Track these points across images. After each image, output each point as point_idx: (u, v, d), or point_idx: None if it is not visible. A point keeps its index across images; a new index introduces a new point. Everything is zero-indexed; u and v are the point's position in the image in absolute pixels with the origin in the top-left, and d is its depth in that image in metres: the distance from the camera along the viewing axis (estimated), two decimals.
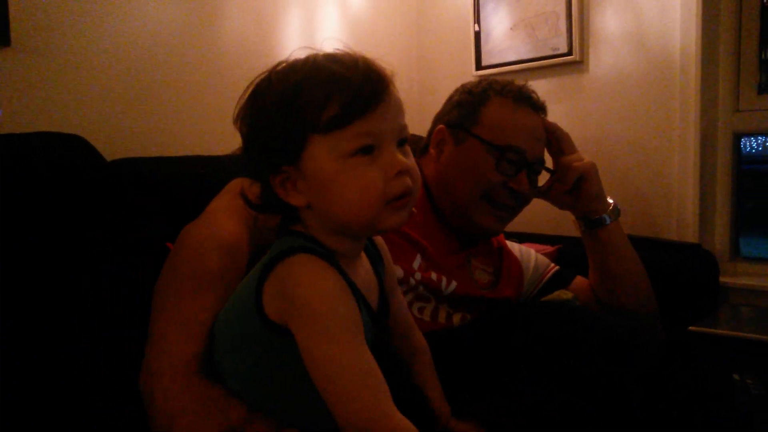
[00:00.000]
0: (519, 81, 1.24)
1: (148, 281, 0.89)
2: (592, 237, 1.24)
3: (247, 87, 0.73)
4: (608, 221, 1.22)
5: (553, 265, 1.37)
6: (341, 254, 0.73)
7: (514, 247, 1.36)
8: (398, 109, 0.70)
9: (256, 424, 0.74)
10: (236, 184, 0.96)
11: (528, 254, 1.36)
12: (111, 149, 1.23)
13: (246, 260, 0.87)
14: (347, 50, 0.70)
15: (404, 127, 0.71)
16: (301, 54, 0.73)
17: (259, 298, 0.70)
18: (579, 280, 1.32)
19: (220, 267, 0.83)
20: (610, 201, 1.24)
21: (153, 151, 1.35)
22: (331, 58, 0.69)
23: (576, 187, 1.22)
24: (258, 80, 0.72)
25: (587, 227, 1.24)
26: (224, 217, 0.89)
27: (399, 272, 1.08)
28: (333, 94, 0.66)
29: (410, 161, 0.71)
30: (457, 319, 1.15)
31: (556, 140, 1.24)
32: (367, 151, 0.67)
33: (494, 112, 1.19)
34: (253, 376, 0.75)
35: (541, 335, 0.95)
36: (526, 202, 1.23)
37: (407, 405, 0.66)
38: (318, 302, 0.66)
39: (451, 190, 1.18)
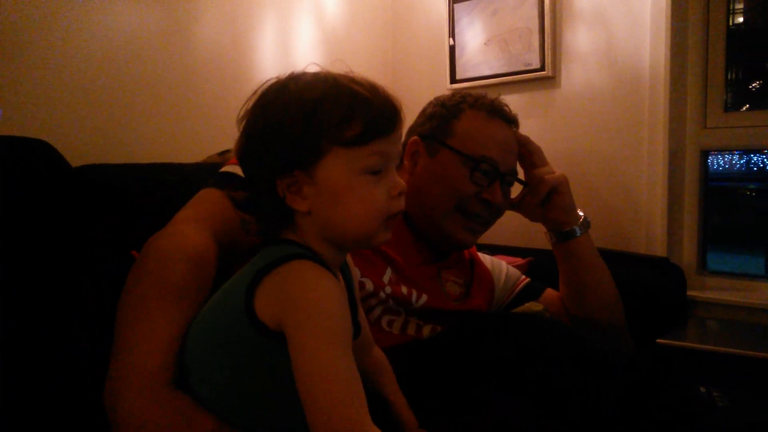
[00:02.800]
0: (492, 94, 1.25)
1: None
2: (562, 249, 1.25)
3: (258, 90, 0.75)
4: (579, 233, 1.23)
5: (524, 277, 1.37)
6: (328, 263, 0.74)
7: (485, 259, 1.36)
8: (402, 136, 0.77)
9: None
10: (205, 195, 0.95)
11: (499, 266, 1.37)
12: (77, 155, 1.20)
13: (213, 272, 0.85)
14: (361, 75, 0.75)
15: (401, 152, 0.77)
16: (314, 68, 0.76)
17: (250, 301, 0.70)
18: (549, 293, 1.32)
19: (186, 279, 0.82)
20: (581, 214, 1.25)
21: (121, 158, 1.32)
22: (352, 79, 0.73)
23: (547, 200, 1.23)
24: (272, 85, 0.75)
25: (558, 239, 1.25)
26: (191, 228, 0.87)
27: (369, 285, 1.07)
28: (357, 112, 0.70)
29: (403, 182, 0.76)
30: (426, 331, 1.14)
31: (528, 153, 1.25)
32: (377, 170, 0.72)
33: (467, 124, 1.20)
34: (230, 381, 0.74)
35: (512, 347, 0.95)
36: (499, 213, 1.23)
37: (374, 417, 0.66)
38: (321, 305, 0.66)
39: (425, 202, 1.19)
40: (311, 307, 0.66)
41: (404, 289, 1.13)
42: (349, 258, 0.88)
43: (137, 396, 0.74)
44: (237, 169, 0.99)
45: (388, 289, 1.10)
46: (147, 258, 0.85)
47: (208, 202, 0.93)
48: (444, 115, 1.22)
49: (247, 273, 0.72)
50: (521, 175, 1.27)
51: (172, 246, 0.85)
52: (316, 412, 0.63)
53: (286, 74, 0.76)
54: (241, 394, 0.74)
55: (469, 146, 1.17)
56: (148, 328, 0.78)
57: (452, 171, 1.17)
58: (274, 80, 0.75)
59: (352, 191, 0.71)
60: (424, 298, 1.15)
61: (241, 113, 0.74)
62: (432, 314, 1.16)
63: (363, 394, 0.65)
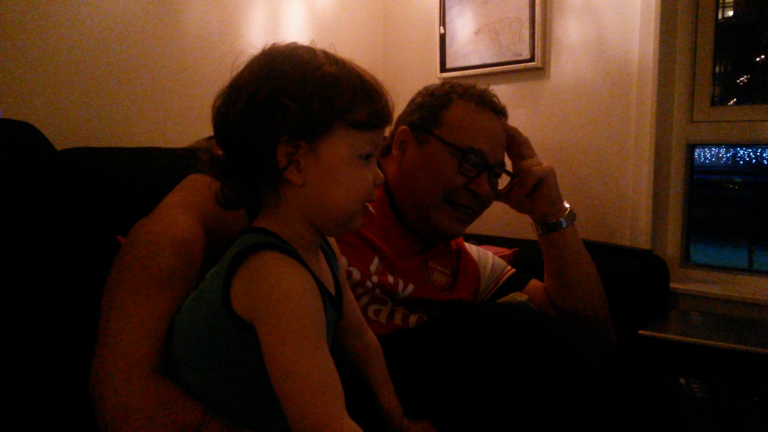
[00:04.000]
0: (481, 85, 1.25)
1: None
2: (548, 240, 1.26)
3: (260, 53, 0.74)
4: (564, 225, 1.24)
5: (509, 267, 1.38)
6: (306, 245, 0.75)
7: (472, 248, 1.37)
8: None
9: (212, 425, 0.73)
10: (193, 180, 0.94)
11: (485, 256, 1.37)
12: (62, 138, 1.19)
13: (201, 258, 0.85)
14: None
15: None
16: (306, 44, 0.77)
17: (227, 292, 0.70)
18: (534, 283, 1.33)
19: (174, 264, 0.81)
20: (567, 206, 1.26)
21: (107, 142, 1.31)
22: (357, 66, 0.75)
23: (534, 191, 1.23)
24: (278, 50, 0.74)
25: (544, 230, 1.25)
26: (179, 213, 0.87)
27: (356, 274, 1.08)
28: (365, 98, 0.72)
29: (382, 175, 0.79)
30: (413, 320, 1.15)
31: (516, 144, 1.25)
32: (367, 157, 0.75)
33: (456, 115, 1.19)
34: (217, 372, 0.74)
35: (498, 337, 0.95)
36: (486, 204, 1.24)
37: (358, 405, 0.66)
38: (286, 303, 0.66)
39: (413, 192, 1.19)
40: (277, 305, 0.66)
41: (391, 279, 1.13)
42: (334, 244, 0.88)
43: (124, 384, 0.74)
44: None
45: (375, 279, 1.10)
46: (134, 243, 0.84)
47: (197, 187, 0.92)
48: (433, 104, 1.22)
49: (225, 262, 0.72)
50: (509, 166, 1.27)
51: (160, 231, 0.84)
52: (289, 407, 0.64)
53: (285, 42, 0.75)
54: (227, 381, 0.74)
55: (458, 137, 1.17)
56: (134, 314, 0.78)
57: (440, 161, 1.17)
58: (279, 46, 0.75)
59: (348, 170, 0.73)
60: (411, 287, 1.15)
61: (243, 73, 0.73)
62: (418, 303, 1.16)
63: (337, 386, 0.65)
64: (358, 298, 1.09)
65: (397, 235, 1.20)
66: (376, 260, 1.13)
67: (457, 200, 1.18)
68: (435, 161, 1.17)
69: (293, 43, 0.75)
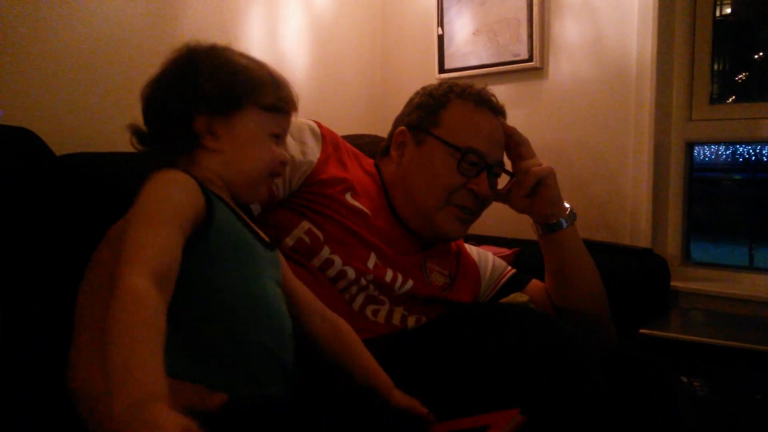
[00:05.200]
0: (479, 84, 1.25)
1: None
2: (549, 240, 1.26)
3: (183, 46, 0.89)
4: (565, 225, 1.24)
5: (510, 268, 1.38)
6: (218, 189, 0.85)
7: (472, 250, 1.37)
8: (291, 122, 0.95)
9: (185, 392, 0.72)
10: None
11: (485, 258, 1.37)
12: (61, 143, 1.19)
13: None
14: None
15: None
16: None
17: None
18: (535, 284, 1.33)
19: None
20: (567, 206, 1.26)
21: (105, 147, 1.31)
22: (267, 64, 0.92)
23: (534, 192, 1.23)
24: (201, 44, 0.89)
25: (544, 231, 1.25)
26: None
27: (351, 273, 1.08)
28: (272, 87, 0.89)
29: (287, 155, 0.94)
30: (411, 321, 1.14)
31: (516, 144, 1.25)
32: (277, 137, 0.91)
33: (455, 114, 1.19)
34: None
35: (496, 338, 0.95)
36: (485, 204, 1.23)
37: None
38: (153, 191, 0.75)
39: (413, 193, 1.18)
40: (145, 195, 0.74)
41: (389, 274, 1.12)
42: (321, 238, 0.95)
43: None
44: None
45: (370, 276, 1.10)
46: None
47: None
48: (431, 104, 1.21)
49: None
50: (508, 166, 1.27)
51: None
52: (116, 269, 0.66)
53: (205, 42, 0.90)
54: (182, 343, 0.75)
55: (456, 136, 1.17)
56: None
57: (439, 161, 1.17)
58: (199, 43, 0.89)
59: (256, 145, 0.88)
60: (410, 283, 1.14)
61: (168, 64, 0.88)
62: (417, 301, 1.16)
63: (156, 256, 0.67)
64: (353, 296, 1.09)
65: (395, 234, 1.20)
66: (373, 256, 1.12)
67: (457, 201, 1.17)
68: (433, 161, 1.17)
69: (213, 42, 0.90)
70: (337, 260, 1.08)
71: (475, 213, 1.23)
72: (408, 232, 1.21)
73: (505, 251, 1.59)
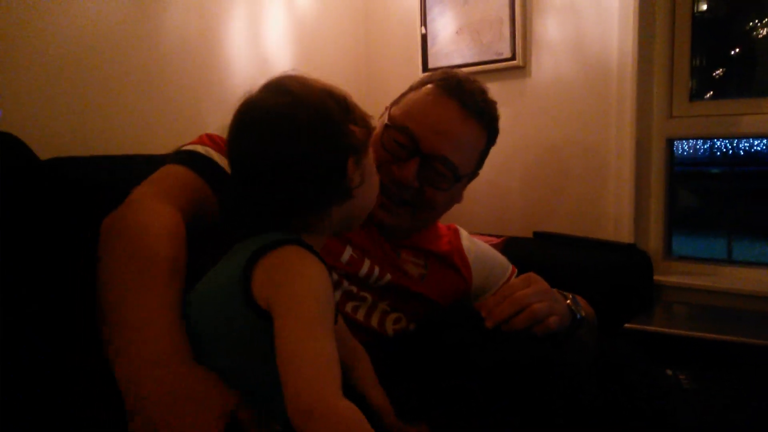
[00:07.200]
0: (477, 82, 1.17)
1: None
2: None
3: (283, 91, 0.78)
4: (579, 316, 1.10)
5: (511, 269, 1.32)
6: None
7: (471, 252, 1.28)
8: None
9: (246, 412, 0.72)
10: (167, 170, 0.93)
11: (485, 263, 1.29)
12: (45, 148, 1.18)
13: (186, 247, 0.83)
14: None
15: None
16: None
17: (247, 283, 0.72)
18: None
19: (174, 254, 0.80)
20: (567, 300, 1.10)
21: (90, 150, 1.30)
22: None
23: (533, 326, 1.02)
24: (289, 86, 0.78)
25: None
26: (157, 203, 0.85)
27: None
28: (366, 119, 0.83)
29: None
30: (390, 321, 1.11)
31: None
32: None
33: (413, 97, 1.13)
34: (233, 362, 0.74)
35: (486, 349, 0.95)
36: (419, 198, 1.12)
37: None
38: (307, 290, 0.70)
39: None
40: (299, 291, 0.70)
41: (366, 264, 1.07)
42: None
43: (165, 372, 0.71)
44: (198, 148, 0.97)
45: (342, 272, 1.05)
46: (119, 235, 0.81)
47: (172, 177, 0.91)
48: (409, 88, 1.17)
49: (243, 255, 0.73)
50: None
51: (147, 222, 0.82)
52: (289, 386, 0.65)
53: (294, 74, 0.80)
54: (244, 372, 0.74)
55: (399, 116, 1.10)
56: (151, 306, 0.75)
57: (377, 137, 1.08)
58: (284, 80, 0.79)
59: (375, 172, 0.84)
60: (388, 276, 1.10)
61: (278, 110, 0.75)
62: (397, 296, 1.11)
63: (337, 372, 0.66)
64: None
65: (366, 227, 1.12)
66: (348, 249, 1.07)
67: (382, 181, 1.02)
68: (375, 138, 1.07)
69: (301, 76, 0.80)
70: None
71: (403, 202, 1.11)
72: (374, 225, 1.14)
73: (494, 240, 1.61)
